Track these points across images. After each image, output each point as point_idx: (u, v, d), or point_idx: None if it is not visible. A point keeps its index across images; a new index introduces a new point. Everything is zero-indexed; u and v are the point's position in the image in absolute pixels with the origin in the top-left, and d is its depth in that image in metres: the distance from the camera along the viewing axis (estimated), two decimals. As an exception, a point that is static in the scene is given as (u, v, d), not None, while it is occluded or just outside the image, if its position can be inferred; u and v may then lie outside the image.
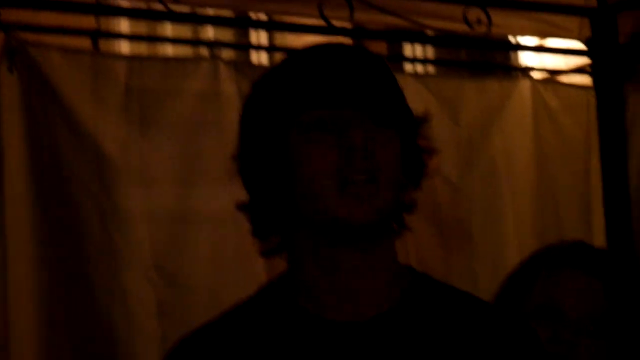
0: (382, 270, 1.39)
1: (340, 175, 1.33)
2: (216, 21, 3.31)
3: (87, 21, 4.64)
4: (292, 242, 1.42)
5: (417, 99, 2.96)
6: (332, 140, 1.34)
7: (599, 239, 3.11)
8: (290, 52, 1.50)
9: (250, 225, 1.46)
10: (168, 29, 5.50)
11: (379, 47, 4.85)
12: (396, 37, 3.84)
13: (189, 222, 2.73)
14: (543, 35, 3.48)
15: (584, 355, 1.84)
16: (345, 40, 4.86)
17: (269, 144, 1.39)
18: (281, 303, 1.41)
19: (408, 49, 5.75)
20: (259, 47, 5.45)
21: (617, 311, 1.90)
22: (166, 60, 2.92)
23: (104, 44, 4.94)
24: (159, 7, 2.69)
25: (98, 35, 4.74)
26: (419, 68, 5.42)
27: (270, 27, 4.35)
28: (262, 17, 4.04)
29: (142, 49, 4.80)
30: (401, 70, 4.14)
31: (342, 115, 1.35)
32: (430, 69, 5.33)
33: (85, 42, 4.56)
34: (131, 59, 2.79)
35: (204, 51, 2.89)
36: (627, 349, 1.91)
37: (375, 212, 1.33)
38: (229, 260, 2.72)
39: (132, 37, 4.14)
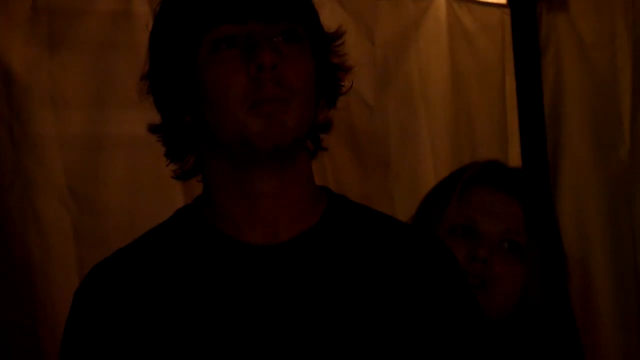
0: (297, 192, 1.39)
1: (251, 98, 1.31)
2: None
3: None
4: (206, 164, 1.40)
5: (331, 17, 2.92)
6: (240, 59, 1.31)
7: (514, 159, 3.16)
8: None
9: (164, 147, 1.43)
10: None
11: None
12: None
13: (103, 145, 2.68)
14: (459, -47, 3.46)
15: (499, 272, 1.87)
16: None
17: (177, 63, 1.36)
18: (197, 226, 1.40)
19: (324, -33, 5.69)
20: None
21: (532, 229, 1.92)
22: (76, -24, 2.83)
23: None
24: None
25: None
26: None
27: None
28: None
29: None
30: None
31: (250, 30, 1.32)
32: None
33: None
34: (38, -26, 2.70)
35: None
36: (543, 267, 1.93)
37: (287, 132, 1.31)
38: (145, 183, 2.69)
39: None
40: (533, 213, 1.92)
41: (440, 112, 3.20)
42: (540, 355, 1.94)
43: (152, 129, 1.43)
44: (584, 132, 3.15)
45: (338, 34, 1.44)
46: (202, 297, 1.34)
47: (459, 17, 3.25)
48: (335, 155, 2.95)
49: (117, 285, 1.36)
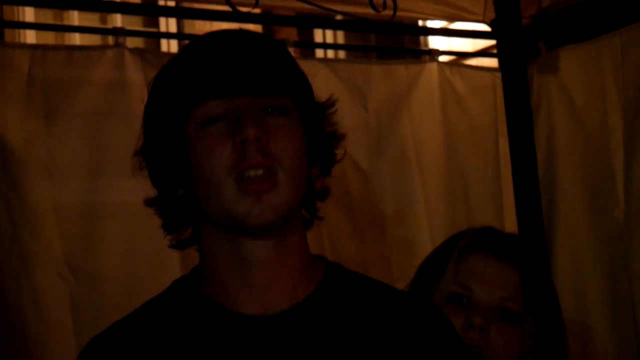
0: (291, 263, 1.39)
1: (236, 170, 1.31)
2: (123, 8, 3.25)
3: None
4: (201, 236, 1.41)
5: (325, 85, 2.96)
6: (225, 133, 1.32)
7: (510, 223, 3.16)
8: (191, 40, 1.48)
9: (160, 219, 1.44)
10: (75, 18, 5.43)
11: (290, 33, 4.86)
12: (305, 22, 3.84)
13: (99, 215, 2.68)
14: (449, 18, 3.52)
15: (495, 340, 1.86)
16: (255, 26, 4.85)
17: (167, 139, 1.38)
18: (193, 297, 1.40)
19: (319, 35, 5.78)
20: (166, 35, 5.42)
21: (529, 295, 1.92)
22: (70, 48, 2.85)
23: (9, 35, 4.84)
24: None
25: (1, 25, 4.65)
26: (330, 54, 5.45)
27: (178, 14, 4.30)
28: (171, 4, 4.01)
29: (50, 38, 4.72)
30: (312, 55, 4.15)
31: (235, 105, 1.33)
32: (341, 54, 5.36)
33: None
34: (34, 47, 2.72)
35: (111, 41, 2.83)
36: (541, 333, 1.92)
37: (274, 211, 1.31)
38: (142, 253, 2.69)
39: (37, 26, 4.05)
40: (530, 280, 1.92)
41: (435, 175, 3.21)
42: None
43: (148, 202, 1.44)
44: (578, 193, 3.16)
45: (330, 103, 1.46)
46: None
47: (450, 81, 3.28)
48: (331, 221, 2.95)
49: (115, 358, 1.36)
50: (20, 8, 5.14)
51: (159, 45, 5.53)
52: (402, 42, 5.24)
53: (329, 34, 5.75)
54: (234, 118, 1.32)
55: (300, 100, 1.39)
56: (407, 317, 1.41)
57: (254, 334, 1.35)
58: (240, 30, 1.42)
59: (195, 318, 1.38)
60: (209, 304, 1.38)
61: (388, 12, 3.01)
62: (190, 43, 1.43)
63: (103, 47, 2.81)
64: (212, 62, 1.35)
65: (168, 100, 1.38)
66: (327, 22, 3.67)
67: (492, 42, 3.56)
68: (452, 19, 3.58)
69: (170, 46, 5.46)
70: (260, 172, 1.31)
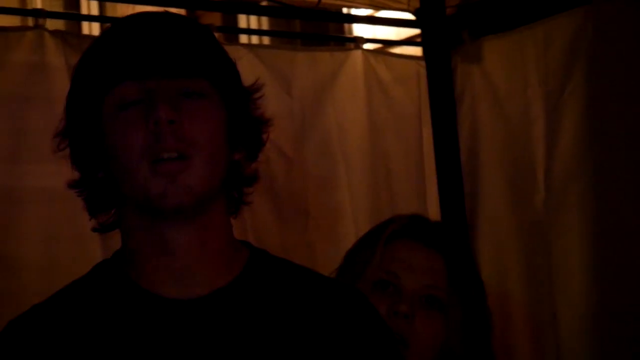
0: (213, 247, 1.37)
1: (150, 153, 1.29)
2: (43, -11, 3.20)
3: None
4: (122, 219, 1.39)
5: (249, 70, 2.92)
6: (140, 116, 1.31)
7: (433, 210, 3.19)
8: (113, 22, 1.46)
9: (83, 203, 1.42)
10: (-7, -2, 5.30)
11: (214, 18, 4.82)
12: (230, 8, 3.81)
13: (17, 200, 2.63)
14: (374, 6, 3.53)
15: (420, 327, 1.87)
16: (178, 10, 4.80)
17: (86, 121, 1.36)
18: (115, 280, 1.38)
19: (243, 20, 5.75)
20: (88, 17, 5.34)
21: (455, 283, 1.93)
22: (-12, 30, 2.79)
23: None
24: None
25: None
26: (254, 39, 5.42)
27: (100, -4, 4.24)
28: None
29: (-35, 19, 4.60)
30: (236, 41, 4.12)
31: (149, 87, 1.31)
32: (266, 40, 5.33)
33: None
34: (-52, 27, 2.66)
35: (31, 22, 2.77)
36: (466, 321, 1.94)
37: (187, 191, 1.29)
38: (62, 239, 2.64)
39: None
40: (455, 267, 1.94)
41: (359, 163, 3.22)
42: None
43: (71, 184, 1.41)
44: (500, 181, 3.20)
45: (255, 88, 1.44)
46: (116, 352, 1.32)
47: (375, 69, 3.29)
48: (254, 207, 2.91)
49: (33, 340, 1.34)
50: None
51: (80, 28, 5.44)
52: (326, 29, 5.24)
53: (253, 19, 5.72)
54: (148, 101, 1.31)
55: (220, 84, 1.37)
56: (331, 303, 1.40)
57: (173, 317, 1.33)
58: (163, 13, 1.39)
59: (116, 300, 1.36)
60: (131, 286, 1.36)
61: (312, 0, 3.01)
62: (112, 25, 1.41)
63: (22, 29, 2.76)
64: (129, 44, 1.33)
65: (87, 83, 1.36)
66: (253, 8, 3.65)
67: (417, 31, 3.58)
68: (377, 7, 3.59)
69: (92, 29, 5.38)
70: (174, 155, 1.29)
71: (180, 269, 1.35)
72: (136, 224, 1.36)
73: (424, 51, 3.38)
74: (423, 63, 3.34)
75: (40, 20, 2.73)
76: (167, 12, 1.40)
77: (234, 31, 5.12)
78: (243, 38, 5.37)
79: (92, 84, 1.34)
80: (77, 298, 1.38)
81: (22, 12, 4.34)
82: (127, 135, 1.30)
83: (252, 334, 1.34)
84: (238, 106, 1.40)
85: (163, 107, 1.29)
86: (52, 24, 2.77)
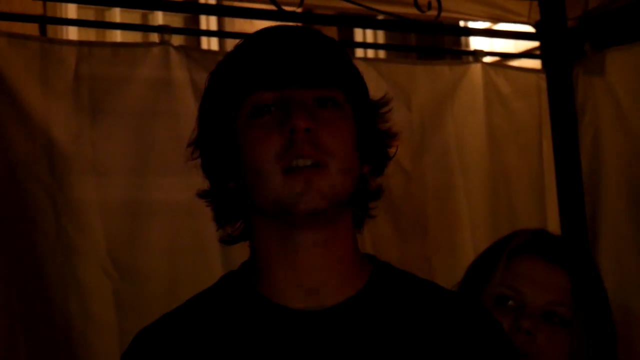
0: (341, 257, 1.38)
1: (284, 160, 1.31)
2: (165, 6, 3.26)
3: (34, 7, 4.58)
4: (252, 230, 1.41)
5: (368, 84, 2.94)
6: (275, 123, 1.33)
7: (553, 225, 3.14)
8: (243, 37, 1.49)
9: (212, 213, 1.45)
10: (117, 15, 5.46)
11: (330, 32, 4.85)
12: (347, 21, 3.83)
13: (143, 212, 2.69)
14: (493, 19, 3.50)
15: (542, 344, 1.84)
16: (296, 25, 4.85)
17: (219, 130, 1.39)
18: (242, 292, 1.40)
19: (359, 34, 5.76)
20: (208, 33, 5.43)
21: (579, 299, 1.90)
22: (116, 46, 2.86)
23: (51, 31, 4.88)
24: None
25: (45, 21, 4.69)
26: (370, 53, 5.44)
27: (220, 12, 4.31)
28: (212, 2, 4.02)
29: (91, 36, 4.74)
30: (352, 55, 4.13)
31: (285, 96, 1.34)
32: (381, 54, 5.34)
33: (32, 29, 4.51)
34: (80, 44, 2.73)
35: (153, 38, 2.84)
36: (590, 337, 1.90)
37: (321, 198, 1.31)
38: (184, 250, 2.69)
39: (80, 23, 4.07)
40: (580, 283, 1.90)
41: (478, 177, 3.19)
42: None
43: (201, 194, 1.45)
44: (622, 196, 3.14)
45: (384, 101, 1.45)
46: None
47: (495, 82, 3.26)
48: (373, 221, 2.94)
49: (162, 350, 1.37)
50: (63, 5, 5.17)
51: (199, 43, 5.54)
52: (442, 43, 5.22)
53: (369, 33, 5.73)
54: (284, 109, 1.33)
55: (352, 95, 1.39)
56: (455, 316, 1.40)
57: (302, 328, 1.35)
58: (295, 26, 1.43)
59: (243, 312, 1.38)
60: (258, 298, 1.38)
61: (431, 13, 3.00)
62: (246, 38, 1.44)
63: (149, 45, 2.82)
64: (265, 55, 1.37)
65: (220, 93, 1.40)
66: (370, 22, 3.66)
67: (535, 43, 3.54)
68: (496, 20, 3.56)
69: (211, 44, 5.47)
70: (308, 162, 1.31)
71: (308, 279, 1.37)
72: (266, 233, 1.38)
73: (545, 64, 3.33)
74: (543, 76, 3.29)
75: (166, 36, 2.79)
76: (298, 26, 1.43)
77: (351, 45, 5.14)
78: (359, 52, 5.39)
79: (229, 93, 1.38)
80: (205, 309, 1.41)
81: (145, 28, 4.44)
82: (262, 141, 1.33)
83: (379, 346, 1.35)
84: (367, 119, 1.41)
85: (300, 114, 1.31)
86: (174, 39, 2.83)
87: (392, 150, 1.46)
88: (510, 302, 1.87)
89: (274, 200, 1.32)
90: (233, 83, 1.38)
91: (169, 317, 1.42)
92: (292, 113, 1.32)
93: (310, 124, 1.31)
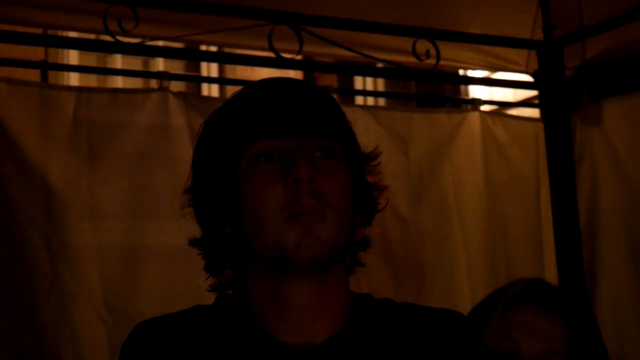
0: (333, 303, 1.40)
1: (288, 211, 1.33)
2: (166, 53, 3.29)
3: (36, 53, 4.61)
4: (244, 277, 1.42)
5: (366, 132, 2.96)
6: (278, 172, 1.35)
7: (550, 273, 3.13)
8: (244, 84, 1.51)
9: (204, 261, 1.45)
10: (118, 61, 5.50)
11: (330, 80, 4.88)
12: (346, 69, 3.86)
13: (139, 257, 2.69)
14: (491, 68, 3.52)
15: None
16: (296, 72, 4.88)
17: (218, 177, 1.40)
18: (239, 318, 1.41)
19: (359, 82, 5.80)
20: (209, 79, 5.47)
21: (575, 349, 1.89)
22: (115, 91, 2.88)
23: (53, 77, 4.91)
24: (108, 39, 2.68)
25: (47, 67, 4.72)
26: (370, 101, 5.46)
27: (220, 59, 4.34)
28: (213, 49, 4.05)
29: (92, 81, 4.77)
30: (352, 102, 4.15)
31: (288, 145, 1.36)
32: (381, 101, 5.37)
33: (34, 75, 4.54)
34: (79, 90, 2.75)
35: (154, 84, 2.86)
36: None
37: (324, 245, 1.33)
38: (180, 296, 2.68)
39: (80, 69, 4.10)
40: (576, 333, 1.89)
41: (475, 225, 3.19)
42: None
43: (193, 242, 1.45)
44: (620, 245, 3.13)
45: (375, 154, 1.48)
46: None
47: (492, 131, 3.27)
48: (369, 267, 2.93)
49: (159, 345, 1.39)
50: (65, 51, 5.21)
51: (199, 89, 5.57)
52: (442, 91, 5.25)
53: (369, 81, 5.77)
54: (287, 157, 1.35)
55: (347, 146, 1.42)
56: (433, 329, 1.42)
57: None
58: (290, 78, 1.45)
59: (238, 338, 1.39)
60: (252, 327, 1.39)
61: (430, 61, 3.03)
62: (244, 87, 1.46)
63: (147, 90, 2.84)
64: (268, 103, 1.39)
65: (221, 139, 1.41)
66: (369, 70, 3.68)
67: (534, 92, 3.55)
68: (495, 69, 3.58)
69: (211, 91, 5.50)
70: (309, 210, 1.33)
71: (301, 322, 1.38)
72: (259, 282, 1.39)
73: (543, 113, 3.35)
74: (541, 125, 3.31)
75: (165, 83, 2.81)
76: (291, 78, 1.45)
77: (351, 92, 5.17)
78: (358, 99, 5.42)
79: (229, 140, 1.39)
80: (203, 323, 1.42)
81: (146, 74, 4.47)
82: (265, 190, 1.34)
83: None
84: (360, 170, 1.44)
85: (304, 164, 1.33)
86: (173, 85, 2.85)
87: (383, 203, 1.47)
88: (505, 351, 1.86)
89: (274, 247, 1.34)
90: (234, 130, 1.39)
91: (171, 317, 1.44)
92: (296, 162, 1.33)
93: (313, 173, 1.33)
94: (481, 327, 1.90)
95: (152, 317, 1.44)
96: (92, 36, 2.93)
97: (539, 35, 3.23)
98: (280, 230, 1.33)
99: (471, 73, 3.97)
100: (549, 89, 3.24)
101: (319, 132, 1.37)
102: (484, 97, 3.44)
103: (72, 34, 4.00)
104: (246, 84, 1.47)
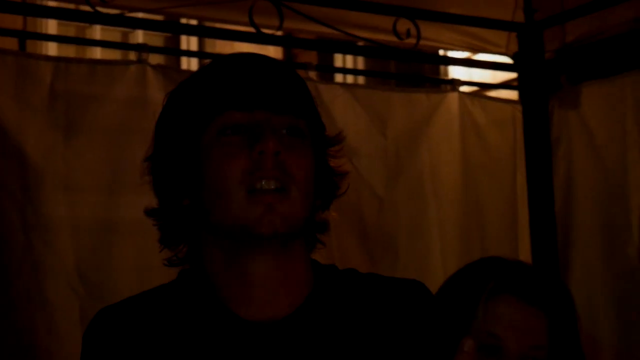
0: (294, 277, 1.40)
1: (249, 180, 1.32)
2: (146, 25, 3.26)
3: (14, 21, 4.57)
4: (203, 250, 1.40)
5: (345, 110, 2.96)
6: (243, 143, 1.34)
7: (524, 255, 3.15)
8: (213, 59, 1.50)
9: (159, 232, 1.44)
10: (97, 32, 5.46)
11: (310, 57, 4.87)
12: (327, 46, 3.85)
13: (113, 230, 2.68)
14: (472, 49, 3.52)
15: None
16: (276, 48, 4.86)
17: (181, 146, 1.39)
18: (201, 294, 1.40)
19: (339, 60, 5.79)
20: (188, 53, 5.44)
21: (555, 341, 1.89)
22: (93, 63, 2.86)
23: (31, 46, 4.87)
24: (87, 9, 2.66)
25: (25, 36, 4.68)
26: (349, 78, 5.46)
27: (200, 32, 4.32)
28: (193, 22, 4.03)
29: (71, 52, 4.74)
30: (331, 80, 4.15)
31: (256, 119, 1.35)
32: (360, 79, 5.37)
33: (11, 43, 4.50)
34: (57, 60, 2.73)
35: (133, 56, 2.84)
36: None
37: (283, 222, 1.32)
38: (154, 269, 2.66)
39: (59, 39, 4.07)
40: (557, 326, 1.88)
41: (451, 205, 3.20)
42: None
43: (149, 212, 1.44)
44: (593, 229, 3.15)
45: (339, 138, 1.47)
46: None
47: (471, 112, 3.28)
48: (344, 244, 2.95)
49: (121, 333, 1.37)
50: (44, 21, 5.17)
51: (179, 63, 5.55)
52: (422, 71, 5.25)
53: (349, 59, 5.76)
54: (254, 130, 1.35)
55: (313, 127, 1.42)
56: (395, 300, 1.42)
57: (253, 340, 1.35)
58: (261, 54, 1.44)
59: (199, 314, 1.38)
60: (215, 304, 1.38)
61: (410, 41, 3.02)
62: (214, 60, 1.45)
63: (126, 63, 2.82)
64: (237, 76, 1.38)
65: (187, 109, 1.39)
66: (350, 47, 3.67)
67: (513, 74, 3.56)
68: (475, 50, 3.58)
69: (191, 64, 5.48)
70: (272, 185, 1.33)
71: (262, 297, 1.37)
72: (218, 254, 1.39)
73: (521, 95, 3.36)
74: (519, 107, 3.32)
75: (144, 55, 2.79)
76: (265, 55, 1.43)
77: (330, 70, 5.16)
78: (338, 77, 5.41)
79: (196, 111, 1.38)
80: (165, 303, 1.40)
81: (125, 46, 4.44)
82: (229, 159, 1.34)
83: (330, 349, 1.36)
84: (323, 152, 1.44)
85: (271, 137, 1.33)
86: (152, 59, 2.83)
87: (342, 188, 1.46)
88: (491, 344, 1.85)
89: (235, 221, 1.33)
90: (202, 100, 1.38)
91: (132, 301, 1.42)
92: (263, 136, 1.33)
93: (280, 147, 1.33)
94: (465, 325, 1.87)
95: (114, 303, 1.42)
96: (71, 6, 2.90)
97: (519, 17, 3.23)
98: (241, 206, 1.32)
99: (451, 54, 3.97)
100: (528, 71, 3.25)
101: (288, 108, 1.37)
102: (463, 78, 3.44)
103: (52, 3, 3.98)
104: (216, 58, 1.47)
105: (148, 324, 1.38)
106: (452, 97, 3.26)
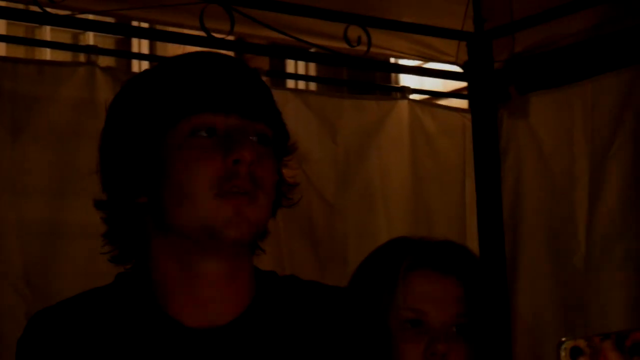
0: (242, 281, 1.40)
1: (220, 188, 1.31)
2: (96, 27, 3.24)
3: (-38, 21, 4.51)
4: (153, 250, 1.39)
5: (296, 116, 2.96)
6: (217, 147, 1.32)
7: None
8: (167, 58, 1.48)
9: (106, 228, 1.42)
10: (47, 33, 5.41)
11: (262, 62, 4.87)
12: (278, 52, 3.85)
13: (62, 234, 2.65)
14: (422, 57, 3.54)
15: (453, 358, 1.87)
16: (227, 53, 4.85)
17: (141, 144, 1.36)
18: (139, 299, 1.39)
19: (290, 65, 5.80)
20: (139, 56, 5.41)
21: (473, 307, 1.93)
22: (41, 63, 2.83)
23: (-22, 46, 4.81)
24: (37, 10, 2.63)
25: (-28, 36, 4.61)
26: (301, 84, 5.47)
27: (151, 36, 4.29)
28: (144, 26, 4.00)
29: (20, 53, 4.69)
30: (283, 85, 4.15)
31: (231, 123, 1.34)
32: (312, 86, 5.38)
33: (-42, 43, 4.44)
34: (4, 60, 2.70)
35: (83, 58, 2.81)
36: (490, 351, 1.94)
37: (250, 227, 1.32)
38: (101, 274, 2.65)
39: (8, 39, 4.02)
40: (473, 293, 1.92)
41: (400, 212, 3.21)
42: None
43: (98, 204, 1.42)
44: (541, 237, 3.18)
45: (293, 148, 1.47)
46: None
47: (421, 120, 3.30)
48: (294, 249, 2.95)
49: (56, 338, 1.36)
50: (-8, 20, 5.12)
51: (129, 66, 5.52)
52: (373, 78, 5.27)
53: (301, 65, 5.77)
54: (227, 135, 1.33)
55: (278, 136, 1.41)
56: (331, 309, 1.42)
57: (194, 347, 1.34)
58: (226, 55, 1.43)
59: (139, 319, 1.37)
60: (155, 310, 1.37)
61: (361, 48, 3.03)
62: (181, 57, 1.42)
63: (75, 64, 2.80)
64: (213, 78, 1.36)
65: (153, 105, 1.35)
66: (302, 54, 3.67)
67: (464, 83, 3.59)
68: (426, 59, 3.60)
69: (142, 68, 5.44)
70: (242, 190, 1.32)
71: (207, 302, 1.37)
72: (170, 255, 1.37)
73: (471, 104, 3.39)
74: (469, 116, 3.34)
75: (93, 57, 2.77)
76: (223, 54, 1.42)
77: (282, 75, 5.16)
78: (290, 83, 5.42)
79: (165, 108, 1.35)
80: (102, 307, 1.39)
81: (74, 48, 4.39)
82: (200, 163, 1.32)
83: (272, 354, 1.37)
84: (280, 162, 1.44)
85: (249, 147, 1.32)
86: (102, 61, 2.81)
87: (294, 199, 1.46)
88: (415, 322, 1.88)
89: (201, 222, 1.32)
90: (172, 98, 1.35)
91: (67, 305, 1.41)
92: (239, 143, 1.32)
93: (254, 157, 1.32)
94: (387, 302, 1.90)
95: (46, 307, 1.40)
96: (21, 6, 2.87)
97: (469, 27, 3.26)
98: (209, 207, 1.31)
99: (402, 62, 3.99)
100: (478, 80, 3.27)
101: (261, 116, 1.36)
102: (415, 87, 3.46)
103: (0, 3, 3.92)
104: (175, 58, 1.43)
105: (81, 328, 1.36)
106: (402, 104, 3.28)
